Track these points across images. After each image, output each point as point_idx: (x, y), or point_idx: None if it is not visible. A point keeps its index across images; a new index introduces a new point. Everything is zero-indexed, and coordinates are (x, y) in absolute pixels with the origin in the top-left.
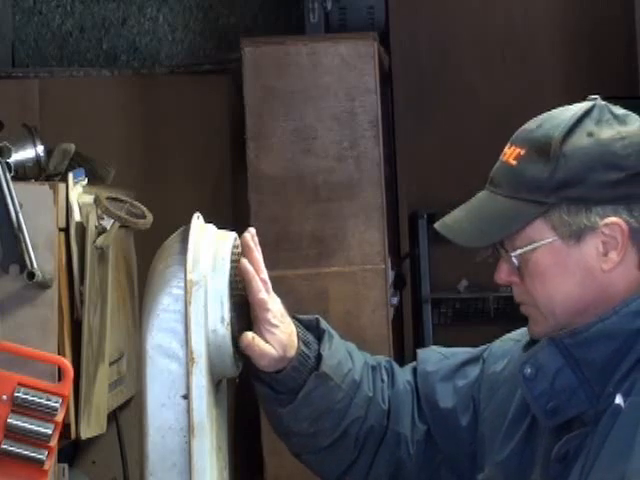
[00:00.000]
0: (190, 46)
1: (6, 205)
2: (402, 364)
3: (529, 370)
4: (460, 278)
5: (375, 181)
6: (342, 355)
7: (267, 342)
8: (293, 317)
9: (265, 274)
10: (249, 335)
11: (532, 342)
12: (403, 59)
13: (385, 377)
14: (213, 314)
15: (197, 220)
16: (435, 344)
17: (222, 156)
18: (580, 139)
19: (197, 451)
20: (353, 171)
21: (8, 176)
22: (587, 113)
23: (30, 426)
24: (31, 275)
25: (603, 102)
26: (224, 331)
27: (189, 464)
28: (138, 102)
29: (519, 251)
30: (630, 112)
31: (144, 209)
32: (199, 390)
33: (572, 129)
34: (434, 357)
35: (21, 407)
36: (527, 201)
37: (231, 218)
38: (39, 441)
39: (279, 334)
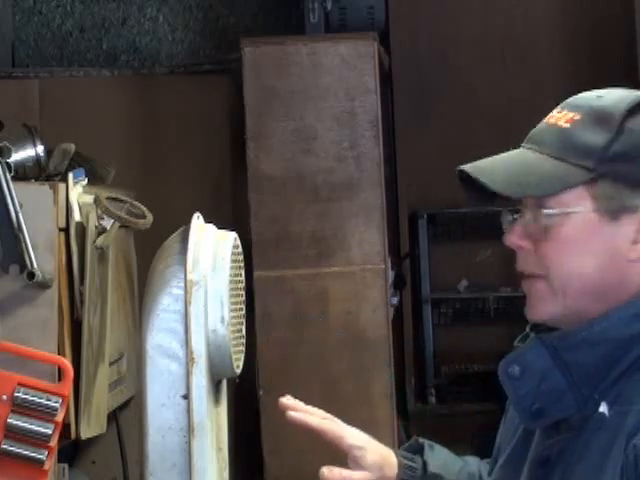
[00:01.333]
0: (190, 46)
1: (6, 205)
2: (402, 364)
3: (515, 369)
4: (460, 278)
5: (375, 181)
6: (447, 456)
7: (359, 468)
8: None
9: (315, 412)
10: (335, 471)
11: (524, 339)
12: (403, 59)
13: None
14: (213, 314)
15: (197, 220)
16: (435, 344)
17: (222, 156)
18: None
19: (197, 451)
20: (353, 171)
21: (8, 176)
22: None
23: (30, 426)
24: (31, 275)
25: None
26: (224, 331)
27: (189, 464)
28: (138, 102)
29: (552, 212)
30: None
31: (144, 209)
32: (199, 390)
33: (638, 107)
34: None
35: (21, 407)
36: (574, 165)
37: (231, 218)
38: (39, 441)
39: (369, 455)
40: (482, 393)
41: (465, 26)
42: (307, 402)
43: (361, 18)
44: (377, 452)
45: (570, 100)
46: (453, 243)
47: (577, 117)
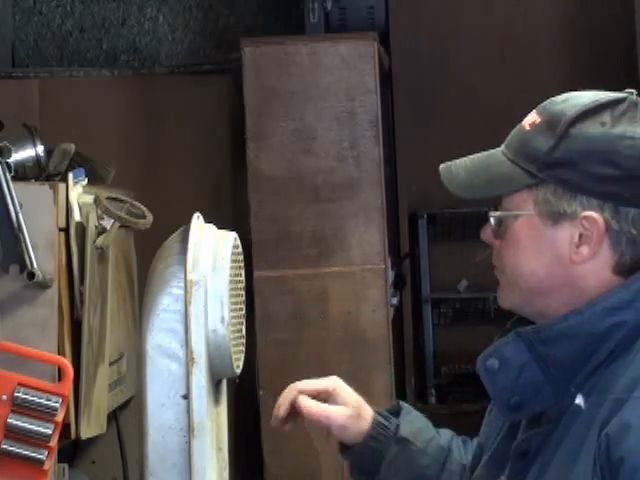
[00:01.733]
0: (190, 46)
1: (6, 205)
2: (402, 364)
3: (494, 362)
4: (460, 278)
5: (375, 181)
6: (422, 424)
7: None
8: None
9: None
10: (309, 402)
11: (507, 332)
12: (403, 59)
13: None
14: (213, 314)
15: (197, 220)
16: (435, 344)
17: (222, 156)
18: (591, 126)
19: (197, 451)
20: (353, 171)
21: (8, 176)
22: (613, 103)
23: (30, 426)
24: (31, 275)
25: (638, 98)
26: (224, 331)
27: (189, 464)
28: (138, 102)
29: (498, 214)
30: None
31: (144, 209)
32: (199, 390)
33: (588, 113)
34: None
35: (21, 407)
36: (522, 169)
37: (231, 218)
38: (39, 441)
39: (346, 395)
40: (482, 393)
41: (465, 26)
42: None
43: (361, 18)
44: (354, 396)
45: (545, 102)
46: (453, 243)
47: (538, 120)
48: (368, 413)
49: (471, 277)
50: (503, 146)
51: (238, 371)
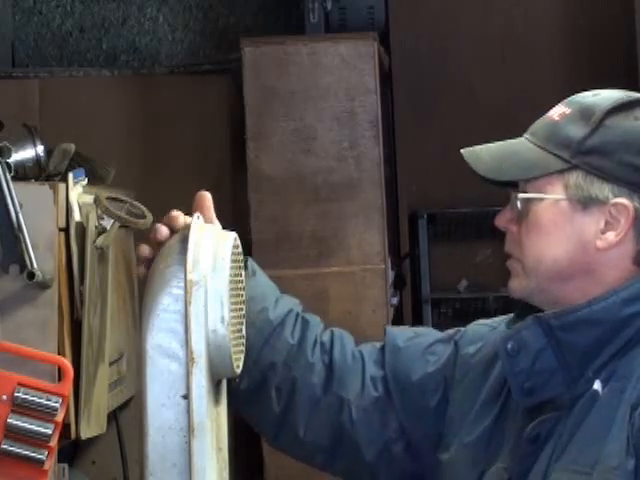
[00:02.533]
0: (190, 46)
1: (6, 205)
2: None
3: (511, 346)
4: (460, 278)
5: (375, 181)
6: (259, 293)
7: None
8: None
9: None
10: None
11: (516, 319)
12: (403, 59)
13: (326, 338)
14: (213, 314)
15: (197, 220)
16: None
17: (222, 156)
18: (625, 118)
19: (197, 451)
20: (353, 171)
21: (8, 176)
22: None
23: (30, 426)
24: (31, 275)
25: None
26: (224, 331)
27: (189, 464)
28: (138, 102)
29: (525, 196)
30: None
31: (144, 209)
32: (199, 390)
33: (622, 107)
34: (405, 334)
35: (21, 407)
36: (553, 155)
37: (231, 218)
38: (39, 441)
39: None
40: None
41: (465, 26)
42: None
43: (361, 18)
44: None
45: (571, 97)
46: (453, 243)
47: (568, 111)
48: None
49: (471, 277)
50: (528, 134)
51: (238, 371)
